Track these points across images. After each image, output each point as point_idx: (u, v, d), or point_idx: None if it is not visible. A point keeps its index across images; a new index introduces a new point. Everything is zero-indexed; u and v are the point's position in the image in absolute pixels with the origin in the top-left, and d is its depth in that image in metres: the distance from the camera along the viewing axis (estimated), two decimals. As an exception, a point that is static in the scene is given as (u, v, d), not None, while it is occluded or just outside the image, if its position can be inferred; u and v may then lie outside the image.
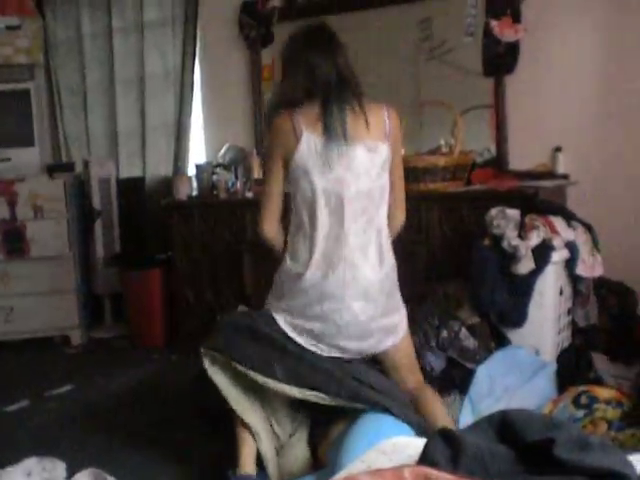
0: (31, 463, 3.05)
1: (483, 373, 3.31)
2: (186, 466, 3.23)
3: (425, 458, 1.46)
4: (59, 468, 3.06)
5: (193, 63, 5.67)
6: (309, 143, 2.77)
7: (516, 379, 3.34)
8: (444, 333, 3.47)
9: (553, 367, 3.49)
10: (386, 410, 2.77)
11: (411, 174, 4.23)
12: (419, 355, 3.33)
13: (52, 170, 5.49)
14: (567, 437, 1.49)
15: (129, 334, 5.43)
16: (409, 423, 2.75)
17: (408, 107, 4.58)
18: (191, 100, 5.69)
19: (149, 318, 5.28)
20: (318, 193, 2.79)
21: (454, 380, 3.37)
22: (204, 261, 5.00)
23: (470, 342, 3.46)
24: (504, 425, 1.54)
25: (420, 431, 2.70)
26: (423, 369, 3.26)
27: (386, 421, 2.72)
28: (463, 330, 3.48)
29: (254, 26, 5.38)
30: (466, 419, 3.10)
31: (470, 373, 3.33)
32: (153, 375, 4.65)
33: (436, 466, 1.40)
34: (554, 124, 4.57)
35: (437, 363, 3.43)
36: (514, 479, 1.41)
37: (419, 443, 1.63)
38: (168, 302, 5.25)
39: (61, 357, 5.20)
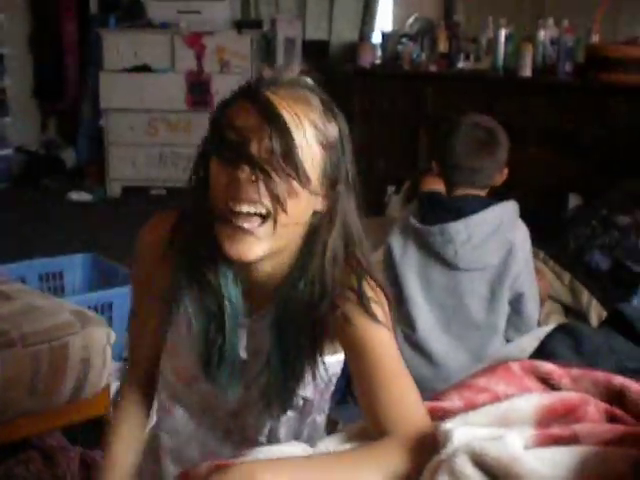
0: None
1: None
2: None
3: (543, 349, 1.40)
4: None
5: None
6: None
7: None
8: (614, 231, 3.30)
9: None
10: None
11: (601, 64, 4.03)
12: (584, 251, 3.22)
13: (240, 26, 5.54)
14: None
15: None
16: None
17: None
18: (385, -35, 5.55)
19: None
20: None
21: (621, 280, 3.22)
22: (380, 130, 4.94)
23: (641, 244, 3.28)
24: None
25: None
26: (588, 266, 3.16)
27: None
28: (635, 230, 3.29)
29: None
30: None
31: (637, 276, 3.17)
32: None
33: (553, 356, 1.34)
34: None
35: (603, 263, 3.28)
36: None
37: None
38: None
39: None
